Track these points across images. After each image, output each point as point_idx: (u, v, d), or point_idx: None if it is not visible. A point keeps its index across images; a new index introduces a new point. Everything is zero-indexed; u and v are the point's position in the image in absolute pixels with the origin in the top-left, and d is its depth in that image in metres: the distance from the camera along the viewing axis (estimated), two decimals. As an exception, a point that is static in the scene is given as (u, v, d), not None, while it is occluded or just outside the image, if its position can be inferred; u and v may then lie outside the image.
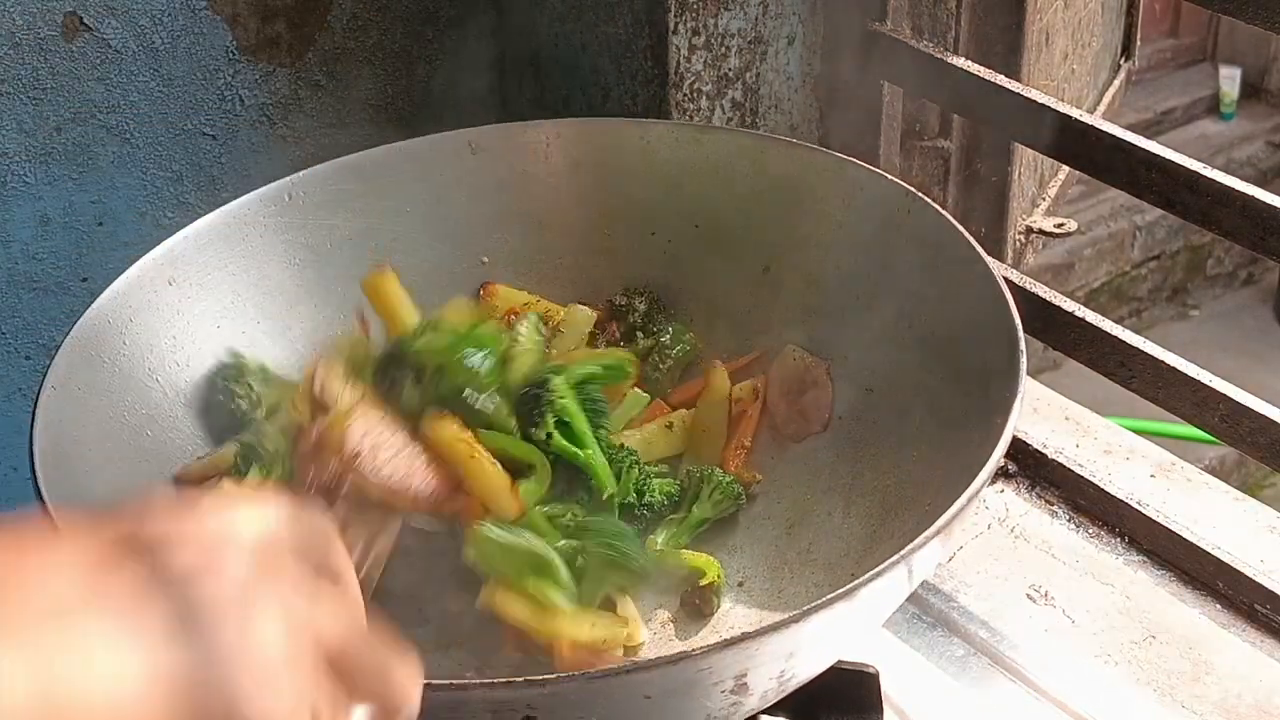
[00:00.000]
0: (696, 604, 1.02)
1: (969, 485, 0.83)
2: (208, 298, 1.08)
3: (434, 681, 0.87)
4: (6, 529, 0.52)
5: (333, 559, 0.59)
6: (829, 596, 0.77)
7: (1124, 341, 1.14)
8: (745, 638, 0.75)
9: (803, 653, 0.81)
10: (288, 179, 1.12)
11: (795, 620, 0.76)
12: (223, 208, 1.09)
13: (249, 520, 0.56)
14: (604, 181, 1.18)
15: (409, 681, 0.60)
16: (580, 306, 1.16)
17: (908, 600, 0.93)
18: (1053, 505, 1.21)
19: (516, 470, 0.98)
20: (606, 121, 1.21)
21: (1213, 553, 1.12)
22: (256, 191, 1.11)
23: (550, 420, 0.99)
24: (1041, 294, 1.19)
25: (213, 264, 1.08)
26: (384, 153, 1.16)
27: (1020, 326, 0.95)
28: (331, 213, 1.13)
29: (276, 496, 0.59)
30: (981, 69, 1.22)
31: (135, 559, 0.52)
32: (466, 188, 1.17)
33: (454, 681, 0.76)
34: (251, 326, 1.09)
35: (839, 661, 0.91)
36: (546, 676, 0.75)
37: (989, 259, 1.01)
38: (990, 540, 1.19)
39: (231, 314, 1.09)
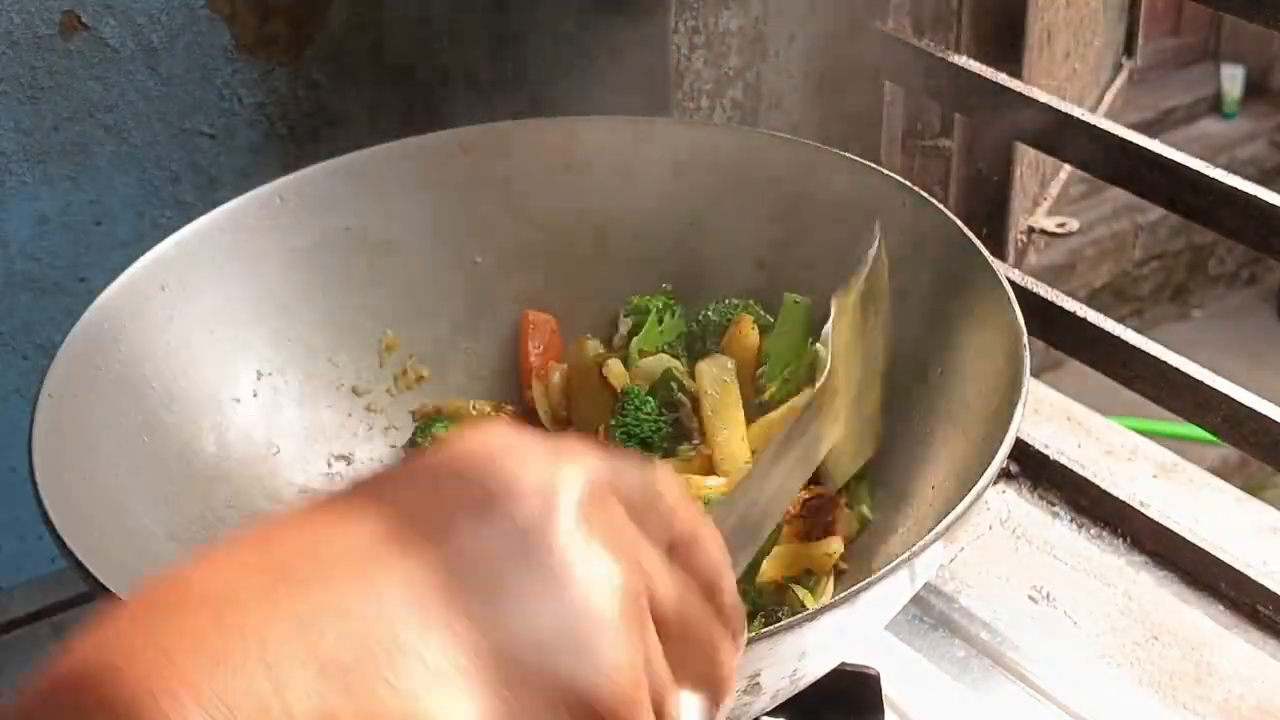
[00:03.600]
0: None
1: (972, 487, 0.83)
2: (202, 302, 1.07)
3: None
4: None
5: (678, 516, 0.50)
6: (835, 598, 0.77)
7: (1126, 341, 1.14)
8: (757, 638, 0.76)
9: (811, 653, 0.81)
10: (281, 180, 1.12)
11: (804, 621, 0.77)
12: (216, 210, 1.09)
13: (579, 457, 0.48)
14: (600, 180, 1.18)
15: (734, 660, 0.52)
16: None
17: (909, 601, 0.93)
18: (1055, 506, 1.21)
19: None
20: (601, 120, 1.20)
21: (1215, 554, 1.12)
22: (250, 194, 1.10)
23: None
24: (1043, 294, 1.18)
25: (206, 268, 1.08)
26: (376, 153, 1.15)
27: (1023, 326, 0.95)
28: (324, 214, 1.13)
29: (603, 447, 0.51)
30: (983, 68, 1.21)
31: (442, 486, 0.45)
32: (460, 188, 1.17)
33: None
34: (246, 331, 1.09)
35: (840, 663, 0.91)
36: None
37: (991, 258, 1.01)
38: (992, 541, 1.18)
39: (225, 318, 1.08)
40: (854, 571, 0.99)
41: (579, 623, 0.44)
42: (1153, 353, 1.13)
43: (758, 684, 0.79)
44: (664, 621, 0.48)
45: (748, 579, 0.96)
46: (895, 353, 1.01)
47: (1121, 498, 1.17)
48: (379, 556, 0.43)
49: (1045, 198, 1.53)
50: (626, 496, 0.49)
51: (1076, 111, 1.14)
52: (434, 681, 0.40)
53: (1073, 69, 1.53)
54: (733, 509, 0.77)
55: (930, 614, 1.12)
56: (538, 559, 0.44)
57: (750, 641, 0.75)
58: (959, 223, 1.04)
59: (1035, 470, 1.23)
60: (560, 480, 0.47)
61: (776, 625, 0.77)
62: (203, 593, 0.41)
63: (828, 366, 0.93)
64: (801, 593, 0.97)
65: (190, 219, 1.08)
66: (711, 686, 0.51)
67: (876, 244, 0.99)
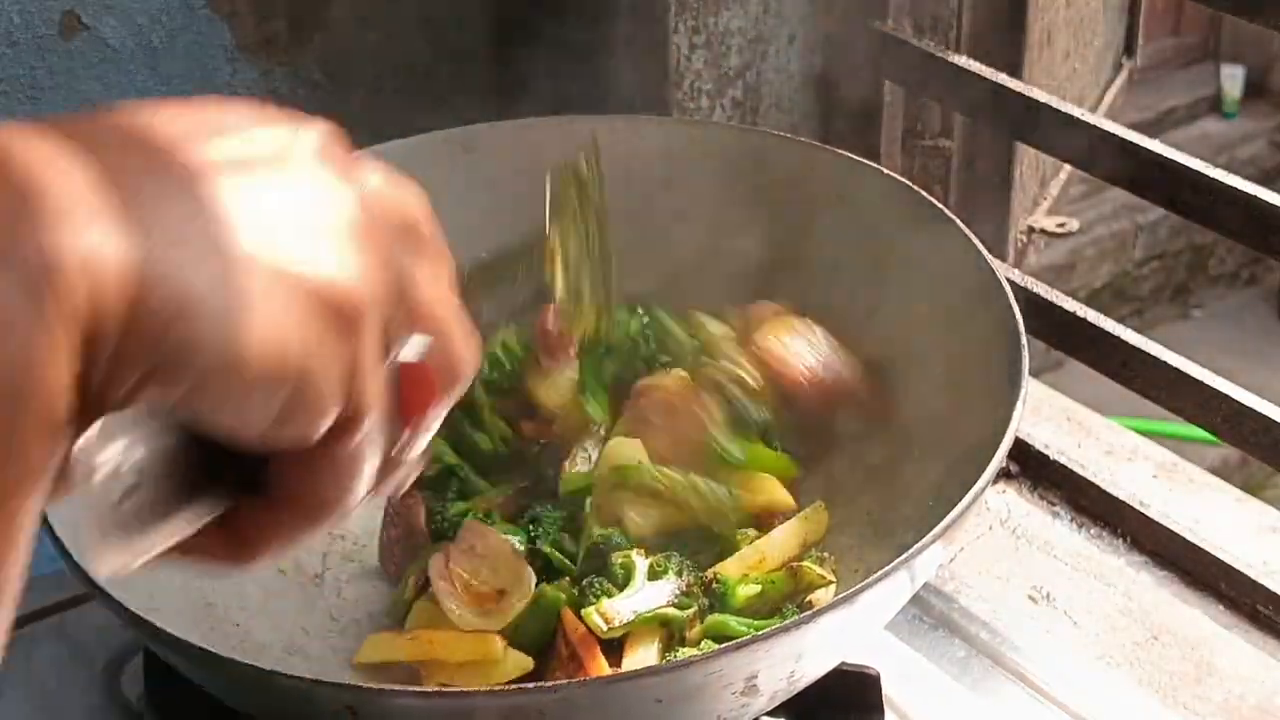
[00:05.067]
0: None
1: (972, 486, 0.83)
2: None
3: (444, 689, 0.87)
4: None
5: (413, 205, 0.54)
6: (834, 599, 0.77)
7: (1126, 341, 1.14)
8: (754, 640, 0.76)
9: (810, 654, 0.81)
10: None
11: (802, 622, 0.77)
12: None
13: (317, 128, 0.52)
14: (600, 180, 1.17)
15: (472, 338, 0.55)
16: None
17: (909, 601, 0.93)
18: (1054, 506, 1.21)
19: None
20: (602, 119, 1.20)
21: (1215, 554, 1.12)
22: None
23: None
24: (1043, 294, 1.18)
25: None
26: (378, 153, 1.15)
27: (1022, 326, 0.95)
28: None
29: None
30: (983, 67, 1.21)
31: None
32: (462, 187, 1.17)
33: (464, 689, 0.76)
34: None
35: (840, 663, 0.91)
36: (558, 682, 0.75)
37: (991, 258, 1.01)
38: (992, 541, 1.18)
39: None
40: (853, 571, 0.99)
41: (334, 234, 0.48)
42: (1153, 353, 1.13)
43: (755, 685, 0.79)
44: (400, 265, 0.51)
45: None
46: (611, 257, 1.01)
47: (1121, 498, 1.17)
48: (204, 166, 0.47)
49: (1045, 197, 1.53)
50: (363, 165, 0.53)
51: (1076, 111, 1.14)
52: (220, 266, 0.45)
53: (1073, 69, 1.53)
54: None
55: (930, 614, 1.12)
56: (291, 174, 0.49)
57: (747, 644, 0.76)
58: (959, 222, 1.04)
59: (1035, 470, 1.23)
60: (300, 128, 0.51)
61: (773, 628, 0.77)
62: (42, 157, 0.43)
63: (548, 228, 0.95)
64: (813, 567, 0.97)
65: (190, 219, 1.08)
66: (443, 339, 0.53)
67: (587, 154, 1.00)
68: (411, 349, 0.53)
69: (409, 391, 0.53)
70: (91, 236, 0.41)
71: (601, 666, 0.88)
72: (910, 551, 0.79)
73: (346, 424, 0.49)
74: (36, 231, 0.41)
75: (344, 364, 0.48)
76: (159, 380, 0.44)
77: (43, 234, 0.41)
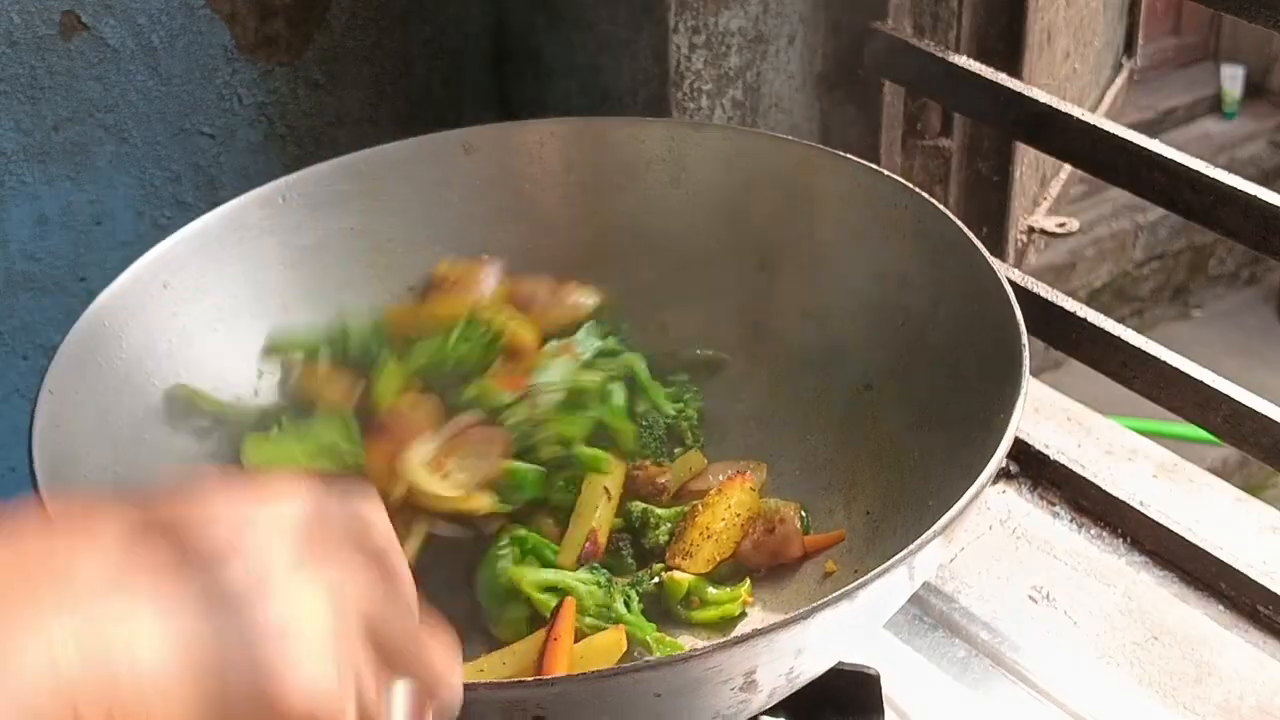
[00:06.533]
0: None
1: (971, 485, 0.83)
2: (203, 300, 1.07)
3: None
4: (30, 517, 0.52)
5: (374, 537, 0.58)
6: (833, 595, 0.77)
7: (1126, 341, 1.14)
8: (753, 635, 0.76)
9: (809, 650, 0.81)
10: (281, 181, 1.12)
11: (801, 618, 0.77)
12: (216, 210, 1.09)
13: (282, 499, 0.56)
14: (601, 180, 1.18)
15: (449, 658, 0.60)
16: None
17: (909, 601, 0.93)
18: (1054, 506, 1.21)
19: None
20: (601, 121, 1.21)
21: (1215, 553, 1.12)
22: (250, 194, 1.10)
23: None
24: (1043, 294, 1.18)
25: (208, 267, 1.08)
26: (378, 153, 1.15)
27: (1022, 326, 0.95)
28: (325, 214, 1.13)
29: (311, 477, 0.59)
30: (983, 68, 1.22)
31: (165, 540, 0.52)
32: (461, 188, 1.17)
33: (464, 682, 0.76)
34: (247, 329, 1.09)
35: (839, 663, 0.91)
36: (557, 676, 0.75)
37: (991, 258, 1.01)
38: (992, 541, 1.18)
39: (227, 317, 1.08)
40: (852, 570, 1.00)
41: (281, 641, 0.51)
42: (1153, 352, 1.13)
43: (754, 681, 0.79)
44: (371, 626, 0.55)
45: None
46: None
47: (1121, 497, 1.17)
48: (116, 582, 0.50)
49: (1045, 198, 1.53)
50: (328, 524, 0.56)
51: (1076, 111, 1.14)
52: (155, 683, 0.49)
53: (1073, 69, 1.53)
54: None
55: (930, 614, 1.12)
56: (247, 595, 0.52)
57: (747, 639, 0.76)
58: (959, 223, 1.04)
59: (1035, 470, 1.24)
60: (263, 529, 0.54)
61: (774, 623, 0.76)
62: None
63: None
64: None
65: (190, 219, 1.08)
66: (422, 675, 0.58)
67: None
68: (400, 698, 0.57)
69: None
70: None
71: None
72: (910, 548, 0.79)
73: None
74: None
75: None
76: None
77: None
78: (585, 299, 1.13)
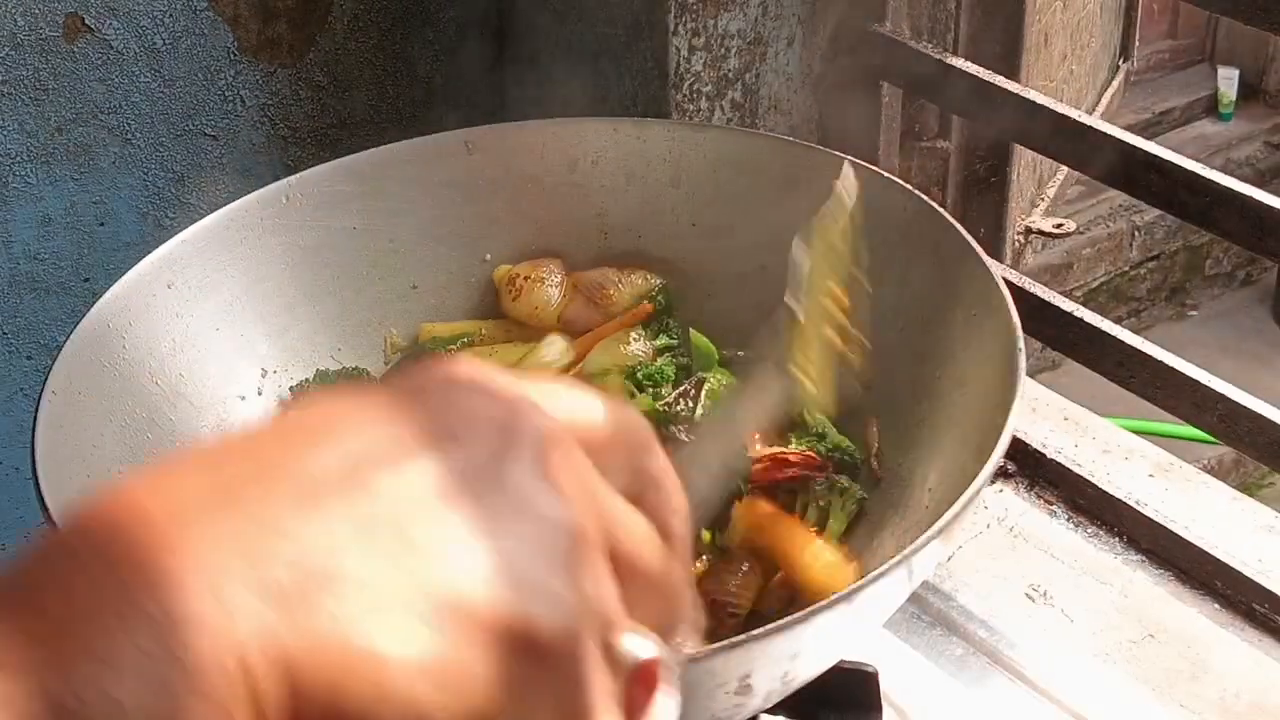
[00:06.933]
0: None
1: (969, 485, 0.83)
2: (206, 301, 1.08)
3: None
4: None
5: (651, 461, 0.51)
6: (831, 598, 0.77)
7: (1122, 341, 1.15)
8: (748, 640, 0.75)
9: (806, 653, 0.81)
10: (284, 181, 1.12)
11: (797, 622, 0.76)
12: (220, 211, 1.09)
13: (564, 401, 0.49)
14: (602, 181, 1.18)
15: (693, 620, 0.52)
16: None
17: (907, 599, 0.93)
18: (1051, 505, 1.22)
19: None
20: (602, 121, 1.21)
21: (1211, 552, 1.12)
22: (253, 194, 1.11)
23: None
24: (1040, 294, 1.19)
25: (211, 267, 1.08)
26: (380, 154, 1.16)
27: (1019, 326, 0.95)
28: (328, 214, 1.14)
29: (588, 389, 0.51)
30: (980, 70, 1.22)
31: (438, 444, 0.44)
32: (464, 188, 1.17)
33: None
34: (250, 329, 1.10)
35: (838, 661, 0.91)
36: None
37: (988, 259, 1.01)
38: (989, 540, 1.19)
39: (230, 317, 1.09)
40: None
41: (526, 559, 0.43)
42: (1149, 353, 1.13)
43: (749, 685, 0.78)
44: (620, 562, 0.47)
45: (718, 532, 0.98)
46: (870, 298, 0.96)
47: (1118, 497, 1.18)
48: (328, 483, 0.42)
49: (1042, 199, 1.54)
50: (588, 435, 0.49)
51: (1073, 113, 1.15)
52: (373, 612, 0.40)
53: (1070, 71, 1.54)
54: (694, 455, 0.78)
55: (928, 612, 1.12)
56: (488, 495, 0.44)
57: (741, 643, 0.76)
58: (956, 224, 1.04)
59: (1032, 469, 1.24)
60: (520, 418, 0.46)
61: (770, 627, 0.76)
62: (149, 511, 0.41)
63: (798, 315, 0.91)
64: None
65: (193, 220, 1.08)
66: (668, 625, 0.50)
67: (843, 182, 0.95)
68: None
69: (638, 690, 0.48)
70: (229, 633, 0.38)
71: None
72: (908, 550, 0.80)
73: None
74: (184, 634, 0.38)
75: (556, 707, 0.43)
76: None
77: (190, 636, 0.38)
78: (651, 284, 1.16)
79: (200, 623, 0.38)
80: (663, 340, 1.14)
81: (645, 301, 1.15)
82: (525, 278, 1.16)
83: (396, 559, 0.41)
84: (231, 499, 0.41)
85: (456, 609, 0.41)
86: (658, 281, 1.17)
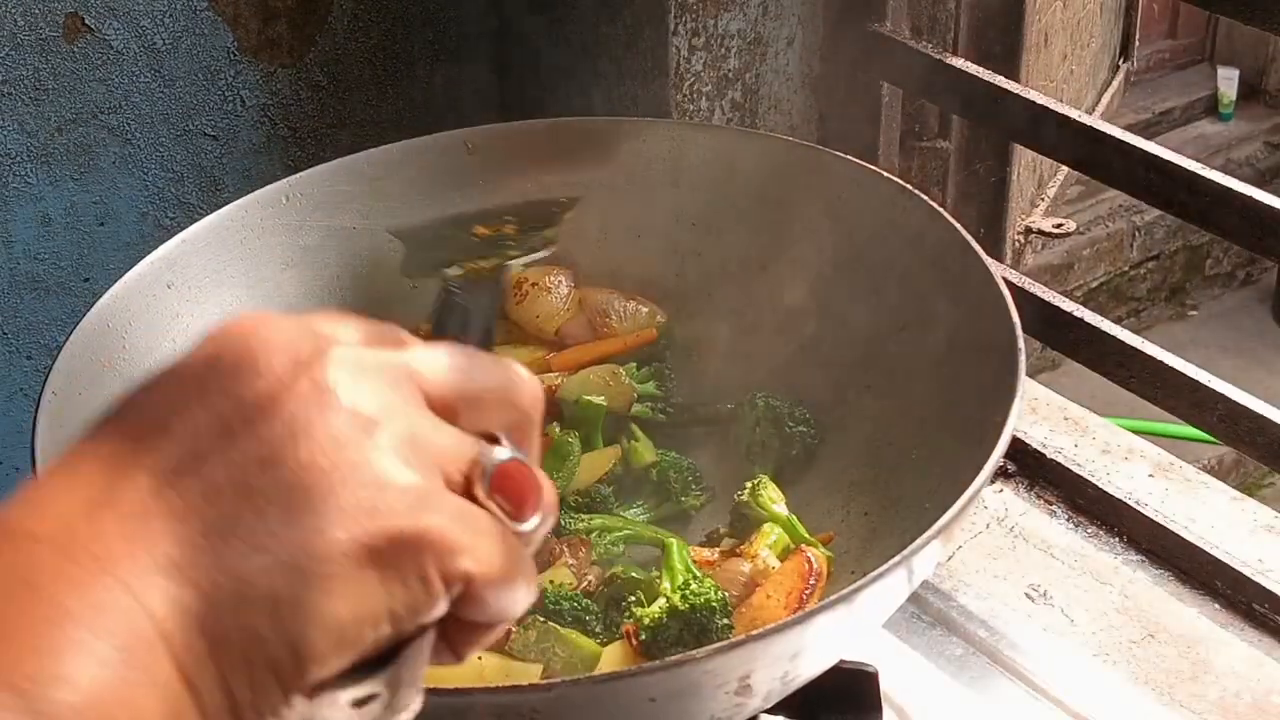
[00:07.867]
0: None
1: (969, 485, 0.83)
2: (206, 300, 1.08)
3: (438, 687, 0.88)
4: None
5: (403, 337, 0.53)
6: (830, 598, 0.77)
7: (1122, 341, 1.15)
8: (748, 640, 0.76)
9: (806, 653, 0.81)
10: (283, 181, 1.12)
11: (797, 622, 0.77)
12: (220, 211, 1.09)
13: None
14: (602, 181, 1.18)
15: (530, 383, 0.53)
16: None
17: (907, 599, 0.93)
18: (1051, 505, 1.22)
19: None
20: (601, 121, 1.21)
21: (1211, 552, 1.12)
22: (253, 194, 1.11)
23: None
24: (1040, 294, 1.19)
25: (211, 267, 1.08)
26: (380, 154, 1.16)
27: (1019, 326, 0.95)
28: (328, 214, 1.14)
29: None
30: (980, 70, 1.22)
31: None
32: (463, 188, 1.17)
33: (458, 686, 0.76)
34: (250, 328, 1.09)
35: (839, 661, 0.92)
36: (552, 681, 0.75)
37: (988, 259, 1.01)
38: (989, 540, 1.19)
39: (230, 316, 1.08)
40: (849, 571, 1.00)
41: (352, 472, 0.46)
42: (1149, 353, 1.13)
43: (749, 685, 0.79)
44: (444, 396, 0.50)
45: None
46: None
47: (1118, 497, 1.18)
48: (180, 467, 0.47)
49: (1042, 199, 1.54)
50: (367, 337, 0.53)
51: (1073, 113, 1.15)
52: (252, 559, 0.44)
53: (1069, 71, 1.54)
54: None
55: (928, 612, 1.12)
56: (299, 437, 0.47)
57: (741, 643, 0.76)
58: (956, 224, 1.04)
59: (1032, 469, 1.24)
60: (307, 349, 0.51)
61: (770, 627, 0.76)
62: (34, 531, 0.45)
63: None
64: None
65: (193, 220, 1.08)
66: (518, 420, 0.52)
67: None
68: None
69: (510, 491, 0.50)
70: (144, 599, 0.43)
71: None
72: (908, 550, 0.80)
73: (474, 592, 0.48)
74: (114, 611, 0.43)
75: (433, 574, 0.46)
76: (285, 673, 0.44)
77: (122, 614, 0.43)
78: (653, 320, 1.17)
79: (115, 608, 0.43)
80: (648, 387, 1.15)
81: (650, 329, 1.16)
82: (533, 284, 1.16)
83: (260, 513, 0.45)
84: (100, 502, 0.45)
85: (315, 552, 0.45)
86: (660, 319, 1.17)
